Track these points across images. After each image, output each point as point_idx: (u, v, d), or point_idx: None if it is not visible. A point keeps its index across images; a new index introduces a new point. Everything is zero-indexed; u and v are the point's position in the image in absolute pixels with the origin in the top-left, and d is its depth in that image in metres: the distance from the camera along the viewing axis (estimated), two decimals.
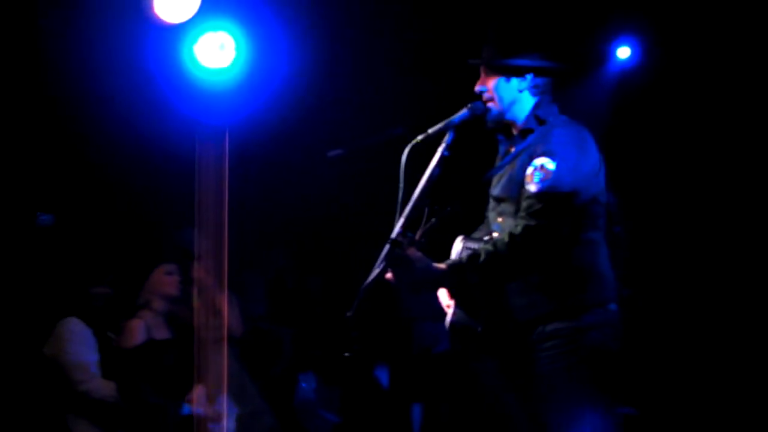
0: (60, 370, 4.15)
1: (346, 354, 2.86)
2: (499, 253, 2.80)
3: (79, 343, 4.19)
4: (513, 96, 3.05)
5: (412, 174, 2.89)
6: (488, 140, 3.26)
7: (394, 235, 2.80)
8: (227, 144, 3.38)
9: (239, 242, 4.37)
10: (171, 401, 4.22)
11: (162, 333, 4.47)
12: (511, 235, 2.81)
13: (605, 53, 5.40)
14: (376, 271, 2.82)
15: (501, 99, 3.05)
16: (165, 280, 4.50)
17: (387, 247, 2.81)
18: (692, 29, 4.97)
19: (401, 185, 2.86)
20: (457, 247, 3.06)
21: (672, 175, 5.21)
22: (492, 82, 3.05)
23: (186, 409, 4.26)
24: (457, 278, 2.86)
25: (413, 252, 2.81)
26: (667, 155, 5.22)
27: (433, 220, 2.89)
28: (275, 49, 4.42)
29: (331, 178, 4.78)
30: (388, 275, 2.85)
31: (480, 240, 3.03)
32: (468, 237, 3.09)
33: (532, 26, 3.09)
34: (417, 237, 2.83)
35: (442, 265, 2.87)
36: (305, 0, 4.75)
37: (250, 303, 5.16)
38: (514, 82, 3.04)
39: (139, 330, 4.37)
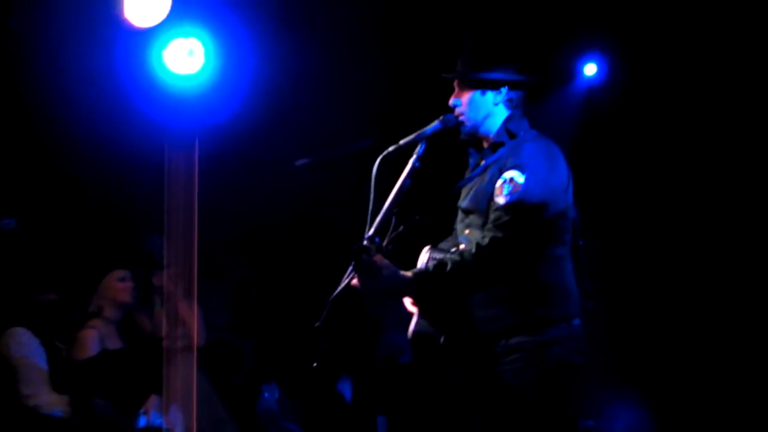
0: (8, 384, 3.99)
1: (314, 364, 2.85)
2: (465, 263, 2.82)
3: (28, 356, 4.03)
4: (487, 109, 3.07)
5: (383, 184, 2.90)
6: (460, 152, 3.29)
7: (362, 241, 2.80)
8: (197, 151, 3.36)
9: (203, 250, 4.32)
10: (126, 414, 4.12)
11: (115, 343, 4.36)
12: (478, 246, 2.83)
13: (573, 70, 5.48)
14: (344, 282, 2.82)
15: (476, 113, 3.07)
16: (118, 287, 4.38)
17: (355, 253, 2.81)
18: (657, 47, 5.07)
19: (372, 195, 2.86)
20: (424, 257, 3.05)
21: (637, 190, 5.29)
22: (467, 96, 3.07)
23: (142, 420, 4.17)
24: (422, 287, 2.86)
25: (380, 259, 2.81)
26: (632, 170, 5.30)
27: (401, 227, 2.90)
28: (244, 56, 4.42)
29: (302, 185, 4.77)
30: (354, 281, 2.85)
31: (446, 251, 3.04)
32: (434, 247, 3.10)
33: (507, 40, 3.12)
34: (384, 244, 2.84)
35: (409, 274, 2.87)
36: (274, 7, 4.75)
37: (211, 313, 5.12)
38: (489, 95, 3.06)
39: (92, 341, 4.23)
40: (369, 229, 2.86)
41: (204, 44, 4.07)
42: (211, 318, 5.05)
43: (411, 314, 3.03)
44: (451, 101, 3.11)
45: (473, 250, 2.83)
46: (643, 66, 5.15)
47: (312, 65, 5.01)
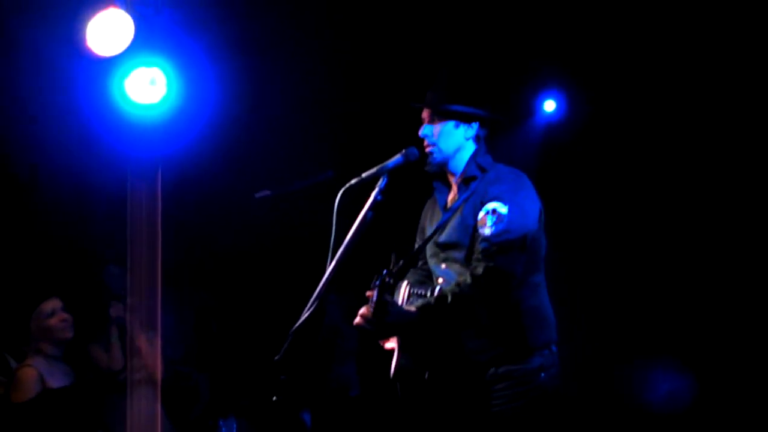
0: None
1: (274, 398, 2.85)
2: (464, 293, 2.91)
3: None
4: (459, 143, 3.16)
5: (345, 217, 2.94)
6: (423, 186, 3.35)
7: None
8: (159, 180, 3.36)
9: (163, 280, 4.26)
10: None
11: (59, 379, 4.18)
12: (474, 276, 2.92)
13: (532, 106, 5.58)
14: (305, 314, 2.83)
15: (447, 145, 3.16)
16: (50, 324, 4.18)
17: (320, 288, 2.83)
18: (616, 83, 5.20)
19: (334, 228, 2.90)
20: (403, 292, 3.13)
21: (597, 226, 5.40)
22: (439, 127, 3.15)
23: None
24: (426, 320, 2.93)
25: (386, 296, 2.88)
26: (592, 206, 5.41)
27: (401, 262, 2.98)
28: (206, 85, 4.43)
29: (264, 216, 4.78)
30: (357, 320, 2.93)
31: (423, 284, 3.12)
32: (412, 282, 3.17)
33: (482, 76, 3.21)
34: (389, 280, 2.88)
35: (412, 309, 2.96)
36: (237, 37, 4.78)
37: (167, 345, 5.04)
38: (462, 129, 3.15)
39: (31, 381, 4.05)
40: (330, 262, 2.88)
41: (165, 73, 4.07)
42: (167, 350, 4.98)
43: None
44: (422, 132, 3.18)
45: (469, 281, 2.91)
46: (603, 102, 5.28)
47: (275, 95, 5.04)
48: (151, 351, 4.21)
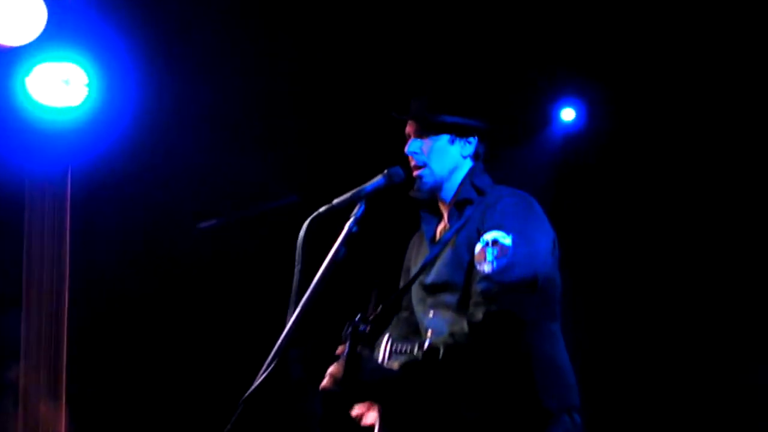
0: None
1: None
2: (459, 345, 2.86)
3: None
4: (455, 162, 3.14)
5: (312, 253, 2.86)
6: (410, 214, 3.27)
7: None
8: (68, 201, 3.25)
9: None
10: None
11: None
12: (472, 324, 2.87)
13: (547, 115, 5.69)
14: (261, 378, 2.74)
15: (441, 165, 3.13)
16: None
17: (280, 344, 2.74)
18: (641, 89, 5.32)
19: (298, 267, 2.83)
20: (384, 348, 3.09)
21: (627, 259, 5.48)
22: (430, 143, 3.12)
23: None
24: (413, 381, 2.89)
25: (361, 349, 2.86)
26: (618, 224, 5.51)
27: (380, 307, 2.93)
28: (129, 86, 4.37)
29: (206, 251, 4.68)
30: (326, 382, 2.88)
31: (408, 340, 3.07)
32: (394, 336, 3.14)
33: (483, 80, 3.19)
34: (365, 329, 2.84)
35: (395, 365, 2.93)
36: (173, 29, 4.79)
37: None
38: (457, 145, 3.13)
39: None
40: (292, 310, 2.81)
41: (85, 72, 4.05)
42: None
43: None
44: (408, 148, 3.15)
45: (466, 330, 2.88)
46: (631, 109, 5.36)
47: (222, 98, 5.00)
48: (55, 424, 4.09)
